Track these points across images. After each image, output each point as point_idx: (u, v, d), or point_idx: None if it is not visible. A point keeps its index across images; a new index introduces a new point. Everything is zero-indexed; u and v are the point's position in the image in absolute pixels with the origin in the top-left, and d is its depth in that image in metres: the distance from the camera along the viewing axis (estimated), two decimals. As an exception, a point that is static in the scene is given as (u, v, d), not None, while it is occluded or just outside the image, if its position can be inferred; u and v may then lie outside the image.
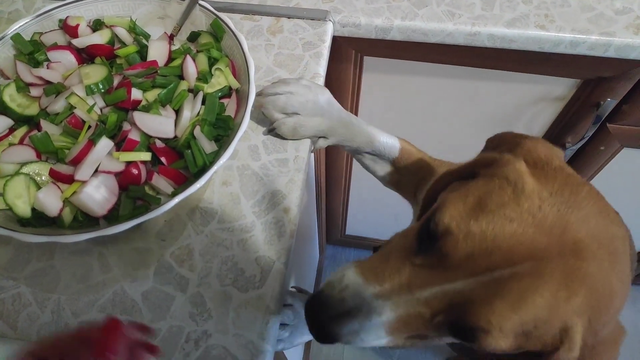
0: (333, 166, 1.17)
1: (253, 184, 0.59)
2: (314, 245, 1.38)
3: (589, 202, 0.39)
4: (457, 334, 0.39)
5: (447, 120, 0.98)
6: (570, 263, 0.36)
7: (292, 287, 0.63)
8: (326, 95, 0.63)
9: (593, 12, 0.72)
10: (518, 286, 0.36)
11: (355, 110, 0.98)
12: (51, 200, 0.51)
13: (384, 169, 0.71)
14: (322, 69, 0.69)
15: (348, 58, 0.85)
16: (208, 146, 0.54)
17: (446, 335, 0.41)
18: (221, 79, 0.58)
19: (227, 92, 0.60)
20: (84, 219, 0.52)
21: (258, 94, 0.62)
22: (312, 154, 0.97)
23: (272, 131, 0.61)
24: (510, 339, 0.37)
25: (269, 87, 0.61)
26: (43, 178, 0.52)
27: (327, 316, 0.41)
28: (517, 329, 0.36)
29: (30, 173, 0.52)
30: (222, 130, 0.55)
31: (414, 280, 0.40)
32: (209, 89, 0.57)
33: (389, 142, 0.67)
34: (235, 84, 0.59)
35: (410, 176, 0.69)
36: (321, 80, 0.68)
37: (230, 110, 0.58)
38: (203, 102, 0.56)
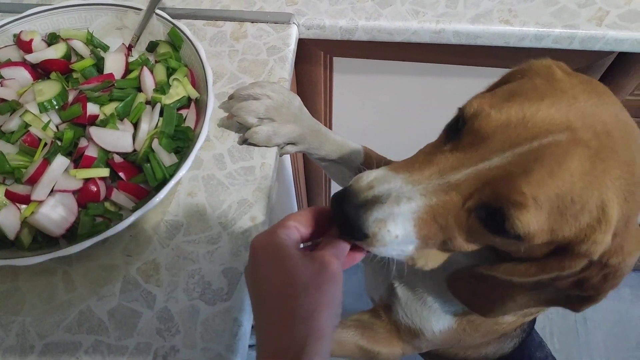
0: (312, 165, 1.16)
1: (219, 193, 0.58)
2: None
3: (612, 99, 0.39)
4: (488, 221, 0.37)
5: (419, 117, 0.97)
6: (603, 139, 0.35)
7: None
8: (297, 101, 0.62)
9: (556, 5, 0.72)
10: (556, 152, 0.35)
11: (329, 112, 0.98)
12: (9, 222, 0.50)
13: (348, 176, 0.70)
14: (287, 73, 0.68)
15: (317, 60, 0.84)
16: (167, 159, 0.53)
17: (476, 229, 0.39)
18: (179, 89, 0.57)
19: (187, 103, 0.59)
20: (44, 240, 0.51)
21: (230, 97, 0.61)
22: (288, 156, 0.97)
23: (246, 141, 0.60)
24: (544, 214, 0.35)
25: (242, 89, 0.60)
26: (0, 200, 0.51)
27: (353, 204, 0.39)
28: (552, 201, 0.35)
29: (-15, 196, 0.51)
30: (182, 142, 0.55)
31: (445, 165, 0.38)
32: (167, 100, 0.56)
33: (355, 149, 0.67)
34: (194, 93, 0.59)
35: None
36: (287, 85, 0.67)
37: (190, 121, 0.57)
38: (161, 114, 0.56)
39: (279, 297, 0.37)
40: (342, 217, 0.40)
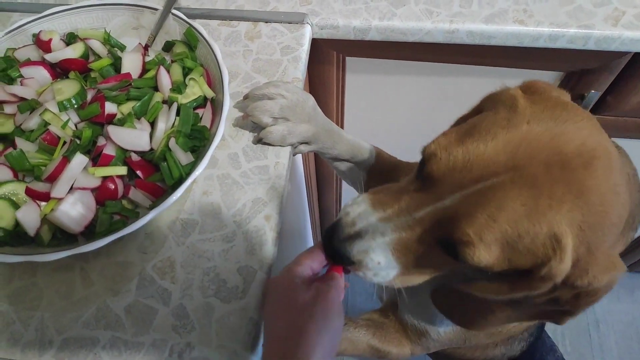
0: (323, 165, 1.16)
1: (234, 192, 0.58)
2: (307, 245, 1.38)
3: (583, 120, 0.39)
4: (448, 251, 0.41)
5: (431, 117, 0.97)
6: (555, 173, 0.36)
7: None
8: (311, 101, 0.62)
9: (572, 5, 0.72)
10: (497, 195, 0.37)
11: (341, 111, 0.98)
12: (30, 219, 0.51)
13: (360, 176, 0.71)
14: (301, 73, 0.68)
15: (330, 59, 0.84)
16: (184, 158, 0.53)
17: (443, 257, 0.42)
18: (196, 89, 0.58)
19: (202, 102, 0.59)
20: (63, 236, 0.52)
21: (245, 97, 0.61)
22: (300, 155, 0.97)
23: (261, 140, 0.61)
24: (494, 250, 0.38)
25: (257, 89, 0.60)
26: (20, 197, 0.52)
27: (338, 238, 0.47)
28: (499, 239, 0.37)
29: (7, 194, 0.52)
30: (198, 141, 0.55)
31: (411, 204, 0.43)
32: (183, 99, 0.57)
33: (367, 149, 0.67)
34: (209, 93, 0.59)
35: (385, 180, 0.69)
36: (300, 85, 0.68)
37: (205, 120, 0.57)
38: (178, 113, 0.56)
39: (280, 321, 0.45)
40: (332, 249, 0.48)
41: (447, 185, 0.40)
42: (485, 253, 0.38)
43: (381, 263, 0.46)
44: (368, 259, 0.46)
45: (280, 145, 0.61)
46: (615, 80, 0.80)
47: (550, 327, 1.51)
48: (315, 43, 0.78)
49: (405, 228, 0.44)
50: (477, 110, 0.47)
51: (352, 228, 0.47)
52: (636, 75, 0.78)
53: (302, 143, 0.63)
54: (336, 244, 0.47)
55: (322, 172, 1.20)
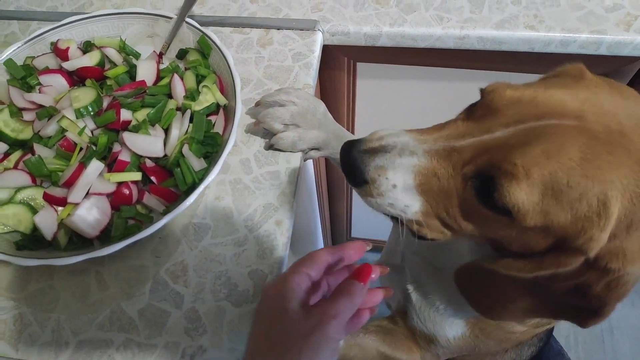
0: (333, 170, 1.17)
1: (245, 197, 0.59)
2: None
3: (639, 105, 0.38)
4: (481, 191, 0.38)
5: (442, 121, 0.97)
6: (615, 137, 0.35)
7: None
8: (322, 107, 0.63)
9: (583, 10, 0.71)
10: (558, 134, 0.35)
11: (352, 116, 0.98)
12: (47, 224, 0.52)
13: None
14: (312, 79, 0.69)
15: (341, 65, 0.85)
16: (197, 164, 0.54)
17: (470, 201, 0.39)
18: (209, 96, 0.59)
19: (215, 109, 0.60)
20: (79, 240, 0.53)
21: (256, 104, 0.62)
22: (311, 160, 0.98)
23: (272, 147, 0.61)
24: (535, 193, 0.35)
25: (268, 96, 0.61)
26: (38, 202, 0.54)
27: (359, 150, 0.42)
28: (545, 182, 0.34)
29: (26, 199, 0.53)
30: (211, 147, 0.56)
31: (453, 132, 0.40)
32: (196, 106, 0.58)
33: None
34: (222, 100, 0.60)
35: None
36: (311, 91, 0.68)
37: (218, 127, 0.58)
38: (191, 120, 0.57)
39: (263, 343, 0.40)
40: (347, 160, 0.43)
41: (503, 117, 0.37)
42: (524, 192, 0.34)
43: (397, 186, 0.40)
44: (383, 178, 0.40)
45: (291, 151, 0.62)
46: (628, 85, 0.79)
47: (563, 334, 1.50)
48: (326, 49, 0.79)
49: (441, 154, 0.39)
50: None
51: (378, 142, 0.42)
52: (649, 80, 0.77)
53: (312, 149, 0.64)
54: (354, 154, 0.42)
55: (332, 176, 1.21)
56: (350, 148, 0.43)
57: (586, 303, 0.39)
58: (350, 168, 0.42)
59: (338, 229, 1.52)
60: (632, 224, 0.35)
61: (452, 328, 0.58)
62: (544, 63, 0.78)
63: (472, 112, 0.41)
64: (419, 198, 0.41)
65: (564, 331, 1.52)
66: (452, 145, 0.39)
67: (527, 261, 0.39)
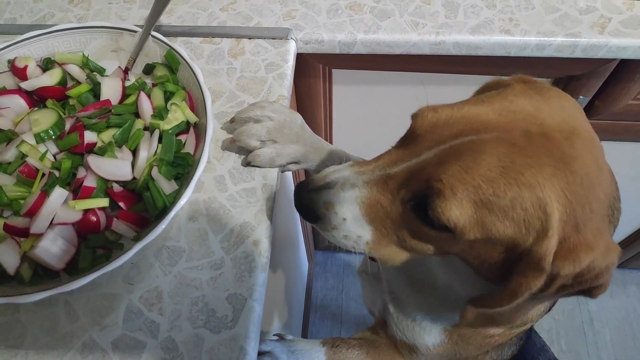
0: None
1: (220, 217, 0.57)
2: (301, 255, 1.37)
3: (567, 103, 0.40)
4: (420, 212, 0.40)
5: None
6: (535, 140, 0.36)
7: (274, 334, 0.62)
8: (299, 119, 0.61)
9: (557, 13, 0.71)
10: (473, 149, 0.36)
11: (329, 124, 0.97)
12: (9, 257, 0.49)
13: None
14: (286, 90, 0.67)
15: (316, 72, 0.83)
16: (167, 186, 0.52)
17: (413, 222, 0.41)
18: (178, 114, 0.56)
19: (185, 127, 0.58)
20: (44, 273, 0.50)
21: (230, 121, 0.60)
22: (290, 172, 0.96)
23: (249, 164, 0.59)
24: (466, 208, 0.36)
25: (242, 112, 0.59)
26: (-3, 234, 0.51)
27: (307, 190, 0.45)
28: (472, 196, 0.36)
29: (-17, 230, 0.50)
30: (182, 168, 0.54)
31: (387, 160, 0.43)
32: (165, 125, 0.55)
33: None
34: (192, 118, 0.58)
35: None
36: (287, 103, 0.66)
37: (189, 146, 0.56)
38: (160, 140, 0.55)
39: None
40: (299, 201, 0.46)
41: (426, 141, 0.40)
42: (455, 207, 0.36)
43: (347, 219, 0.44)
44: (332, 212, 0.44)
45: (269, 167, 0.60)
46: (603, 86, 0.80)
47: (545, 328, 1.52)
48: (301, 56, 0.77)
49: (379, 183, 0.42)
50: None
51: (323, 180, 0.45)
52: (623, 80, 0.78)
53: (291, 163, 0.62)
54: (303, 194, 0.45)
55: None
56: (300, 190, 0.46)
57: (575, 292, 0.40)
58: (302, 207, 0.46)
59: (320, 234, 1.51)
60: (578, 223, 0.36)
61: (430, 337, 0.59)
62: (521, 66, 0.78)
63: (404, 139, 0.44)
64: (369, 227, 0.44)
65: (546, 325, 1.54)
66: (387, 172, 0.42)
67: (501, 295, 0.40)
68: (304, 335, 1.41)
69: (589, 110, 0.85)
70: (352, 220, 0.44)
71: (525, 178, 0.35)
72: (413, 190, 0.40)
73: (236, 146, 0.60)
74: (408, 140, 0.42)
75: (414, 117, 0.42)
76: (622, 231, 1.35)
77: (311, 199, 0.45)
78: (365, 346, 0.62)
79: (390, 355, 0.62)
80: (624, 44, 0.68)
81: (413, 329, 0.59)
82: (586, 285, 0.38)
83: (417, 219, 0.41)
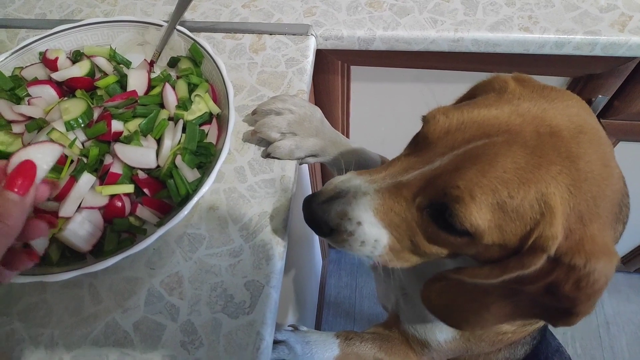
0: (328, 175, 1.16)
1: (240, 206, 0.59)
2: (315, 252, 1.38)
3: (571, 101, 0.41)
4: (438, 219, 0.40)
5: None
6: (544, 139, 0.37)
7: (289, 325, 0.63)
8: (319, 114, 0.63)
9: (577, 11, 0.71)
10: (488, 152, 0.37)
11: (346, 120, 0.98)
12: (39, 239, 0.51)
13: None
14: (305, 85, 0.68)
15: (335, 69, 0.84)
16: (190, 175, 0.53)
17: (431, 229, 0.41)
18: (201, 105, 0.58)
19: (208, 118, 0.59)
20: (71, 255, 0.52)
21: (252, 113, 0.62)
22: (307, 165, 0.97)
23: (269, 155, 0.61)
24: (485, 212, 0.37)
25: (264, 104, 0.60)
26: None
27: (317, 203, 0.44)
28: (490, 200, 0.36)
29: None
30: (204, 158, 0.55)
31: (399, 168, 0.42)
32: (189, 116, 0.57)
33: (375, 159, 0.67)
34: (215, 109, 0.59)
35: None
36: (305, 97, 0.68)
37: (211, 137, 0.58)
38: (184, 130, 0.56)
39: None
40: (309, 215, 0.45)
41: (439, 147, 0.40)
42: (475, 212, 0.36)
43: (363, 223, 0.43)
44: (346, 220, 0.43)
45: (288, 159, 0.61)
46: (623, 85, 0.79)
47: (560, 331, 1.51)
48: (320, 52, 0.78)
49: (391, 191, 0.42)
50: (469, 96, 0.48)
51: (333, 191, 0.44)
52: (644, 80, 0.77)
53: (309, 156, 0.63)
54: (314, 207, 0.44)
55: (328, 179, 1.20)
56: (309, 204, 0.45)
57: (557, 303, 0.40)
58: (314, 221, 0.45)
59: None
60: (583, 216, 0.37)
61: (442, 332, 0.59)
62: (540, 64, 0.78)
63: (414, 145, 0.43)
64: (386, 231, 0.43)
65: (561, 328, 1.53)
66: (399, 180, 0.41)
67: (492, 267, 0.40)
68: (317, 331, 1.41)
69: (608, 110, 0.84)
70: (368, 224, 0.43)
71: (534, 176, 0.36)
72: (429, 197, 0.40)
73: (257, 138, 0.62)
74: (419, 147, 0.42)
75: (426, 121, 0.42)
76: (638, 236, 1.33)
77: (323, 210, 0.44)
78: (379, 340, 0.63)
79: (403, 350, 0.63)
80: (645, 43, 0.68)
81: (424, 324, 0.60)
82: (580, 294, 0.37)
83: (434, 225, 0.41)
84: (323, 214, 0.44)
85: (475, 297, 0.44)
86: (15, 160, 0.29)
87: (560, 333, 1.51)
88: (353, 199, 0.43)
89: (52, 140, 0.55)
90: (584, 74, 0.78)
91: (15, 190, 0.28)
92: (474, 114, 0.39)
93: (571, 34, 0.69)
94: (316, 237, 1.35)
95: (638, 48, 0.68)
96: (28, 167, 0.29)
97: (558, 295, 0.39)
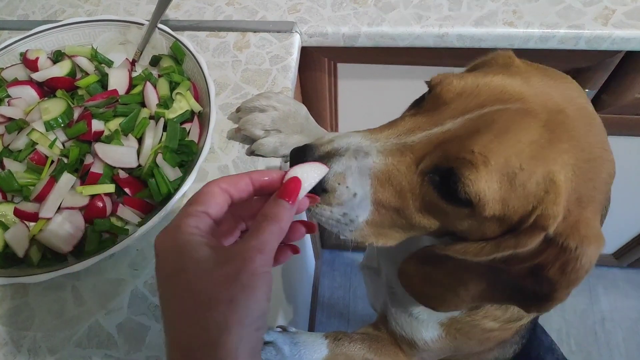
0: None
1: (224, 205, 0.58)
2: (307, 253, 1.38)
3: (572, 84, 0.40)
4: (441, 186, 0.38)
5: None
6: (554, 115, 0.36)
7: (277, 326, 0.62)
8: (304, 111, 0.62)
9: (561, 5, 0.71)
10: (505, 119, 0.36)
11: (334, 118, 0.97)
12: (19, 240, 0.51)
13: None
14: (290, 82, 0.68)
15: (321, 66, 0.84)
16: (172, 173, 0.53)
17: (429, 196, 0.38)
18: (183, 103, 0.58)
19: (190, 116, 0.59)
20: (52, 256, 0.51)
21: (236, 110, 0.61)
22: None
23: (253, 153, 0.60)
24: (494, 181, 0.35)
25: (248, 101, 0.60)
26: (8, 218, 0.52)
27: (313, 157, 0.39)
28: (501, 167, 0.35)
29: (-5, 216, 0.52)
30: (186, 156, 0.55)
31: (403, 128, 0.39)
32: (170, 114, 0.57)
33: None
34: (197, 107, 0.59)
35: None
36: (290, 94, 0.67)
37: (193, 134, 0.57)
38: (165, 129, 0.56)
39: (181, 321, 0.30)
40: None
41: (451, 109, 0.38)
42: (484, 180, 0.35)
43: (357, 195, 0.39)
44: (344, 187, 0.39)
45: (273, 157, 0.61)
46: (609, 78, 0.79)
47: (555, 327, 1.51)
48: (306, 50, 0.78)
49: (395, 152, 0.39)
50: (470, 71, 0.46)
51: (330, 145, 0.40)
52: (630, 73, 0.77)
53: (295, 153, 0.63)
54: (308, 161, 0.39)
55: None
56: (302, 155, 0.40)
57: (537, 286, 0.38)
58: None
59: (326, 230, 1.51)
60: (581, 198, 0.36)
61: (427, 331, 0.58)
62: (525, 57, 0.78)
63: (420, 107, 0.41)
64: (370, 207, 0.41)
65: (556, 324, 1.53)
66: (404, 141, 0.38)
67: (484, 243, 0.39)
68: (311, 332, 1.41)
69: (596, 103, 0.84)
70: (361, 198, 0.40)
71: (546, 153, 0.35)
72: (436, 162, 0.37)
73: (241, 135, 0.61)
74: (427, 107, 0.39)
75: (436, 83, 0.40)
76: (633, 229, 1.33)
77: None
78: (368, 340, 0.62)
79: (393, 351, 0.62)
80: (628, 36, 0.68)
81: (410, 323, 0.59)
82: (563, 278, 0.36)
83: (434, 192, 0.38)
84: None
85: (453, 276, 0.43)
86: (289, 175, 0.36)
87: (555, 330, 1.51)
88: (354, 159, 0.39)
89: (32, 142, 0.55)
90: (571, 67, 0.78)
91: (287, 199, 0.35)
92: (488, 79, 0.38)
93: (555, 28, 0.69)
94: (308, 237, 1.34)
95: (622, 41, 0.68)
96: (296, 182, 0.36)
97: (540, 278, 0.38)
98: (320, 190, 0.40)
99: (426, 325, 0.57)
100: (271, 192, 0.36)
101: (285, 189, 0.35)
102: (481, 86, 0.38)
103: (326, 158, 0.39)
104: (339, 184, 0.39)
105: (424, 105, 0.40)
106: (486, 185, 0.35)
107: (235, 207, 0.37)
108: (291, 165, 0.39)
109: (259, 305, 0.31)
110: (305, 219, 0.42)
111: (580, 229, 0.35)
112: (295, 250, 0.39)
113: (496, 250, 0.38)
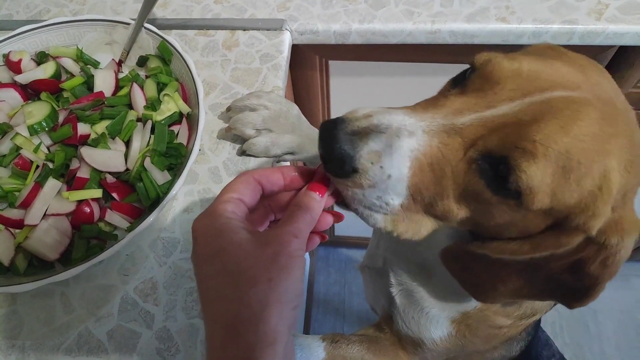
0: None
1: (215, 208, 0.57)
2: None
3: (611, 78, 0.38)
4: (489, 174, 0.34)
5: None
6: (607, 108, 0.34)
7: None
8: (295, 110, 0.61)
9: (553, 0, 0.70)
10: (570, 107, 0.33)
11: (327, 116, 0.97)
12: (4, 248, 0.49)
13: None
14: (281, 81, 0.67)
15: (313, 64, 0.83)
16: (160, 177, 0.52)
17: (473, 185, 0.35)
18: (171, 105, 0.56)
19: (178, 118, 0.58)
20: (39, 263, 0.50)
21: (227, 109, 0.60)
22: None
23: (244, 153, 0.59)
24: (550, 172, 0.32)
25: (238, 101, 0.59)
26: (-7, 225, 0.51)
27: (346, 131, 0.34)
28: (560, 158, 0.32)
29: (-21, 222, 0.50)
30: (174, 159, 0.54)
31: (450, 108, 0.35)
32: (158, 116, 0.55)
33: None
34: (185, 108, 0.58)
35: None
36: (281, 93, 0.66)
37: (182, 137, 0.56)
38: (153, 131, 0.55)
39: (223, 298, 0.32)
40: (331, 145, 0.35)
41: (507, 90, 0.34)
42: (540, 170, 0.32)
43: (392, 177, 0.35)
44: (378, 167, 0.34)
45: (265, 157, 0.60)
46: (602, 74, 0.79)
47: (548, 321, 1.51)
48: (297, 48, 0.77)
49: (441, 134, 0.34)
50: None
51: (367, 121, 0.35)
52: (623, 68, 0.77)
53: (287, 153, 0.62)
54: (340, 136, 0.34)
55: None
56: (332, 129, 0.35)
57: (578, 282, 0.36)
58: (337, 154, 0.34)
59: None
60: (627, 193, 0.34)
61: (437, 328, 0.57)
62: (518, 54, 0.77)
63: (465, 86, 0.37)
64: (406, 192, 0.36)
65: (549, 317, 1.54)
66: (453, 123, 0.34)
67: (522, 242, 0.37)
68: (306, 330, 1.41)
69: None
70: (396, 180, 0.35)
71: (604, 147, 0.33)
72: (489, 148, 0.34)
73: (231, 135, 0.60)
74: (476, 87, 0.36)
75: (484, 62, 0.36)
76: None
77: (353, 143, 0.34)
78: (366, 342, 0.62)
79: (393, 351, 0.61)
80: (622, 30, 0.67)
81: (419, 320, 0.58)
82: (605, 271, 0.35)
83: (481, 181, 0.35)
84: (352, 148, 0.34)
85: (491, 270, 0.40)
86: (319, 171, 0.39)
87: (548, 323, 1.52)
88: (396, 138, 0.34)
89: (17, 147, 0.54)
90: (563, 63, 0.78)
91: (317, 192, 0.37)
92: (548, 63, 0.35)
93: (548, 24, 0.68)
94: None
95: (615, 36, 0.68)
96: (326, 177, 0.38)
97: (581, 274, 0.35)
98: (350, 170, 0.35)
99: (436, 322, 0.56)
100: (300, 188, 0.39)
101: (316, 183, 0.38)
102: (540, 70, 0.35)
103: (361, 134, 0.35)
104: (372, 163, 0.34)
105: (471, 85, 0.36)
106: (540, 176, 0.32)
107: (266, 199, 0.40)
108: (322, 134, 0.36)
109: (295, 285, 0.33)
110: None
111: (624, 225, 0.34)
112: (323, 237, 0.41)
113: (535, 250, 0.36)
